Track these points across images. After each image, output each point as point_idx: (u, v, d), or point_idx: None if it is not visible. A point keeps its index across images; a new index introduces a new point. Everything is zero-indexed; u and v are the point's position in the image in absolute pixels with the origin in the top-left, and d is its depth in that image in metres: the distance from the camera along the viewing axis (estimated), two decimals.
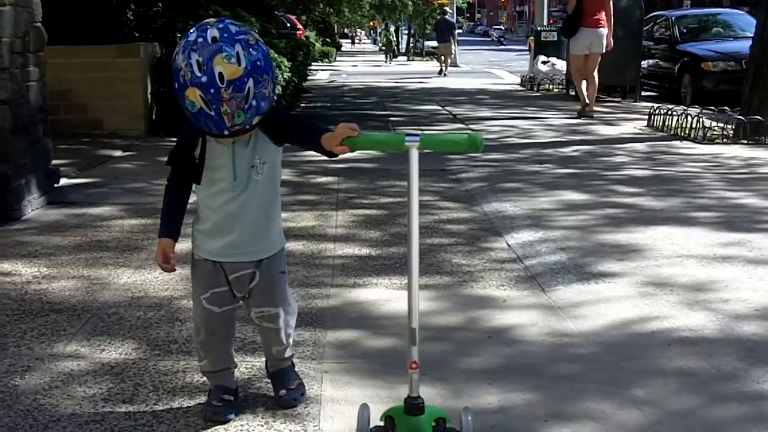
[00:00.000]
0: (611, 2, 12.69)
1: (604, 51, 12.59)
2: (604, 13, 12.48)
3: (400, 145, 2.57)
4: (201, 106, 2.57)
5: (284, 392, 3.12)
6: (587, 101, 12.67)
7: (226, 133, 2.64)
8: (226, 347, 3.08)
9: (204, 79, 2.53)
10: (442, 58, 28.20)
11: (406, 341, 2.63)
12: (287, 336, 3.09)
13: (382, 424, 2.67)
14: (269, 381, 3.22)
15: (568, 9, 13.02)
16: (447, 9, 32.39)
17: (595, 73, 12.64)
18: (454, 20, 32.78)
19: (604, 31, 12.50)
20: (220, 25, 2.59)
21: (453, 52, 29.33)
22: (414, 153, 2.55)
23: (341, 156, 2.71)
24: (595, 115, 12.46)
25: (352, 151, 2.64)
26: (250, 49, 2.59)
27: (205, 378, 3.16)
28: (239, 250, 2.88)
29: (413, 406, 2.60)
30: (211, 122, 2.60)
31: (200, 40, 2.56)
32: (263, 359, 3.27)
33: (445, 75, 26.70)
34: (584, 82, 12.77)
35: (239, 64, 2.55)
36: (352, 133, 2.60)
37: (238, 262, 2.89)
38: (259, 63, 2.60)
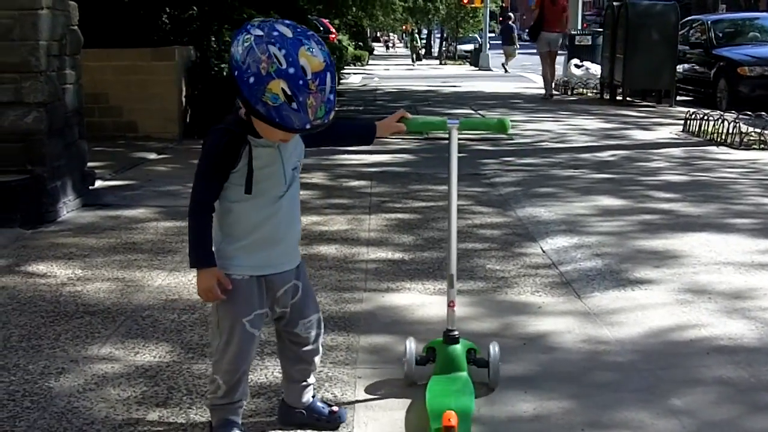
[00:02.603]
0: (567, 15, 16.64)
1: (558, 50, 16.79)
2: (561, 22, 16.38)
3: (443, 127, 3.26)
4: (284, 100, 2.44)
5: (336, 408, 3.02)
6: (551, 87, 16.78)
7: (308, 127, 2.50)
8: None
9: (291, 70, 2.42)
10: (507, 57, 31.84)
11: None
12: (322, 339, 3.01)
13: (424, 354, 3.31)
14: (300, 412, 3.01)
15: (534, 17, 17.01)
16: (510, 15, 34.01)
17: (552, 67, 16.69)
18: (515, 25, 35.49)
19: (560, 35, 16.55)
20: (286, 22, 2.53)
21: (514, 52, 32.90)
22: (454, 133, 3.20)
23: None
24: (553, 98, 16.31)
25: (406, 132, 3.20)
26: (322, 45, 2.53)
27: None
28: (287, 258, 2.80)
29: (450, 336, 3.24)
30: (294, 116, 2.46)
31: (275, 33, 2.46)
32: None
33: (507, 72, 29.85)
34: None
35: (320, 58, 2.48)
36: (407, 115, 3.16)
37: (285, 272, 2.78)
38: (332, 59, 2.54)
